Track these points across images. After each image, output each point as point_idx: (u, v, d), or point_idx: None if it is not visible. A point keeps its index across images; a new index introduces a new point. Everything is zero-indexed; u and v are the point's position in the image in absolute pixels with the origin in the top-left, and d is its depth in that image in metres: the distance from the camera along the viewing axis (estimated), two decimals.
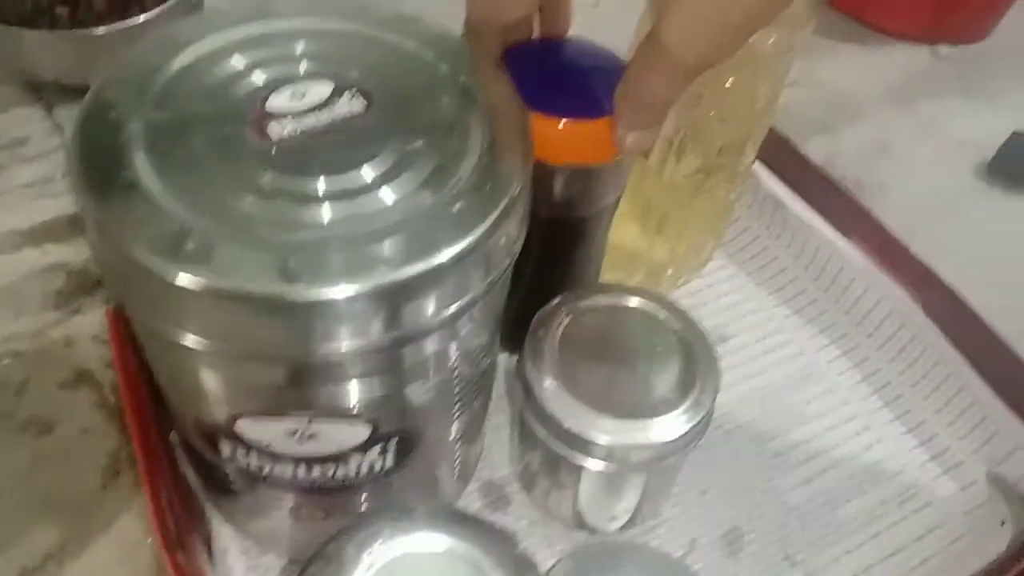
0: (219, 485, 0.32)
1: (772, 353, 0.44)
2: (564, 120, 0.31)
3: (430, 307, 0.24)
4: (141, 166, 0.23)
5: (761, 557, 0.37)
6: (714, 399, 0.32)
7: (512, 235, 0.26)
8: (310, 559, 0.26)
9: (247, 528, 0.34)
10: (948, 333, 0.40)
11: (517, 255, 0.27)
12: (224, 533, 0.35)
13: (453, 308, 0.24)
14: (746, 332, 0.44)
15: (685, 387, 0.32)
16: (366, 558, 0.25)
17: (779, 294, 0.46)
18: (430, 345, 0.26)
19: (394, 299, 0.23)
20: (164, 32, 0.27)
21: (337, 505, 0.31)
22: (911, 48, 0.64)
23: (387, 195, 0.24)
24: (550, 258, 0.37)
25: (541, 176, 0.32)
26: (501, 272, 0.26)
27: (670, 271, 0.44)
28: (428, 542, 0.26)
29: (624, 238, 0.42)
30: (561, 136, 0.31)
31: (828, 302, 0.45)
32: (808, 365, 0.43)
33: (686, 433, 0.32)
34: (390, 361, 0.25)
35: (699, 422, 0.32)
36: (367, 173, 0.24)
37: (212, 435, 0.27)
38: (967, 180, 0.55)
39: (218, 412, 0.26)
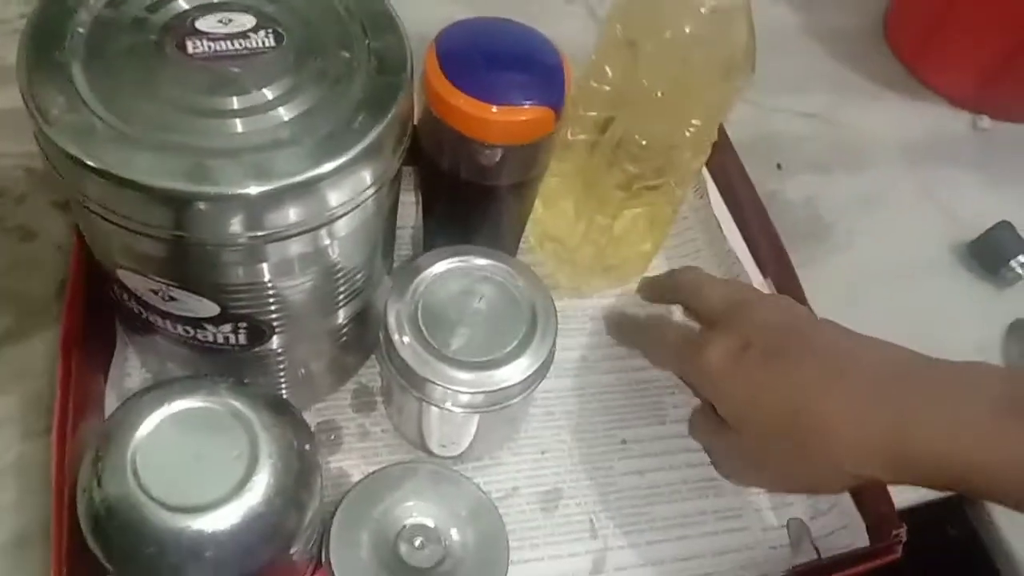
0: (125, 322, 0.38)
1: None
2: (495, 107, 0.35)
3: (298, 213, 0.29)
4: (74, 51, 0.28)
5: (570, 521, 0.41)
6: (547, 357, 0.36)
7: (380, 163, 0.30)
8: (112, 414, 0.31)
9: (146, 363, 0.41)
10: None
11: (389, 180, 0.32)
12: (132, 362, 0.41)
13: (321, 216, 0.29)
14: None
15: (523, 342, 0.36)
16: (157, 412, 0.30)
17: None
18: (285, 249, 0.31)
19: (266, 204, 0.28)
20: None
21: (210, 364, 0.37)
22: (952, 111, 0.63)
23: (282, 114, 0.29)
24: (470, 218, 0.41)
25: (470, 149, 0.37)
26: (375, 189, 0.31)
27: (598, 278, 0.47)
28: (207, 402, 0.31)
29: (558, 230, 0.46)
30: (493, 120, 0.35)
31: None
32: None
33: (517, 383, 0.36)
34: (246, 256, 0.31)
35: (529, 376, 0.36)
36: (267, 93, 0.29)
37: (108, 278, 0.34)
38: (942, 253, 0.55)
39: (107, 261, 0.32)
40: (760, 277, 0.46)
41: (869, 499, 0.39)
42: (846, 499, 0.40)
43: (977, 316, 0.52)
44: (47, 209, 0.46)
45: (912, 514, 0.39)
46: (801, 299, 0.44)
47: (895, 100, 0.63)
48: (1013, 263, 0.52)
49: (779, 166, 0.57)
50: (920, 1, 0.64)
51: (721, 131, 0.49)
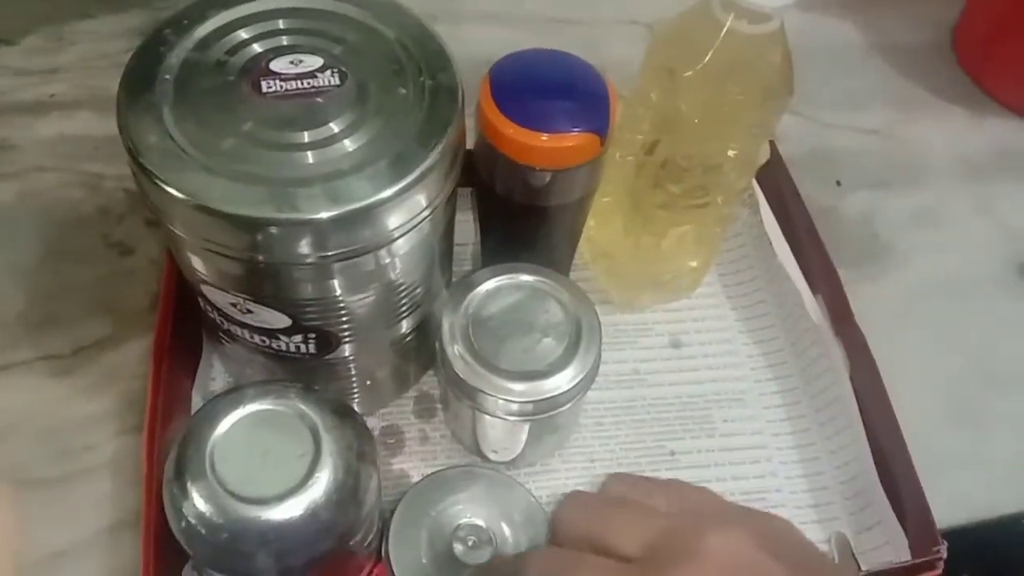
0: (210, 331, 0.42)
1: (714, 370, 0.48)
2: (544, 135, 0.37)
3: (361, 236, 0.32)
4: (164, 92, 0.32)
5: None
6: (592, 367, 0.38)
7: (433, 188, 0.33)
8: (194, 415, 0.35)
9: (229, 369, 0.45)
10: (861, 403, 0.43)
11: (443, 203, 0.35)
12: (216, 368, 0.45)
13: (383, 236, 0.32)
14: (700, 345, 0.49)
15: (568, 352, 0.38)
16: (233, 413, 0.34)
17: (748, 323, 0.50)
18: (350, 267, 0.34)
19: (333, 227, 0.31)
20: None
21: (284, 370, 0.40)
22: (1019, 125, 0.62)
23: (347, 145, 0.32)
24: (524, 237, 0.44)
25: (521, 173, 0.39)
26: (430, 211, 0.34)
27: (649, 293, 0.49)
28: (277, 405, 0.34)
29: (609, 247, 0.48)
30: (543, 147, 0.38)
31: (785, 343, 0.48)
32: (743, 391, 0.47)
33: (564, 392, 0.38)
34: (315, 274, 0.34)
35: (575, 386, 0.38)
36: (332, 127, 0.32)
37: (194, 291, 0.37)
38: (998, 271, 0.54)
39: (192, 277, 0.36)
40: (810, 295, 0.47)
41: (912, 516, 0.39)
42: (890, 516, 0.40)
43: None
44: (143, 228, 0.51)
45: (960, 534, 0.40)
46: (849, 319, 0.45)
47: (960, 114, 0.62)
48: None
49: (838, 183, 0.57)
50: (988, 12, 0.63)
51: (774, 148, 0.50)
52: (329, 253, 0.32)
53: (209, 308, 0.37)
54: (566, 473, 0.44)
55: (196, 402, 0.43)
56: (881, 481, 0.41)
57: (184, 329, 0.43)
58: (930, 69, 0.65)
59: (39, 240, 0.50)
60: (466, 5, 0.64)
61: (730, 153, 0.40)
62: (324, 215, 0.31)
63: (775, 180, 0.49)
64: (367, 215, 0.31)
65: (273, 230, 0.31)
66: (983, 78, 0.63)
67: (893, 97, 0.63)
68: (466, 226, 0.46)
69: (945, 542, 0.38)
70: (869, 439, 0.42)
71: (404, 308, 0.39)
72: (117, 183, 0.53)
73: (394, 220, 0.33)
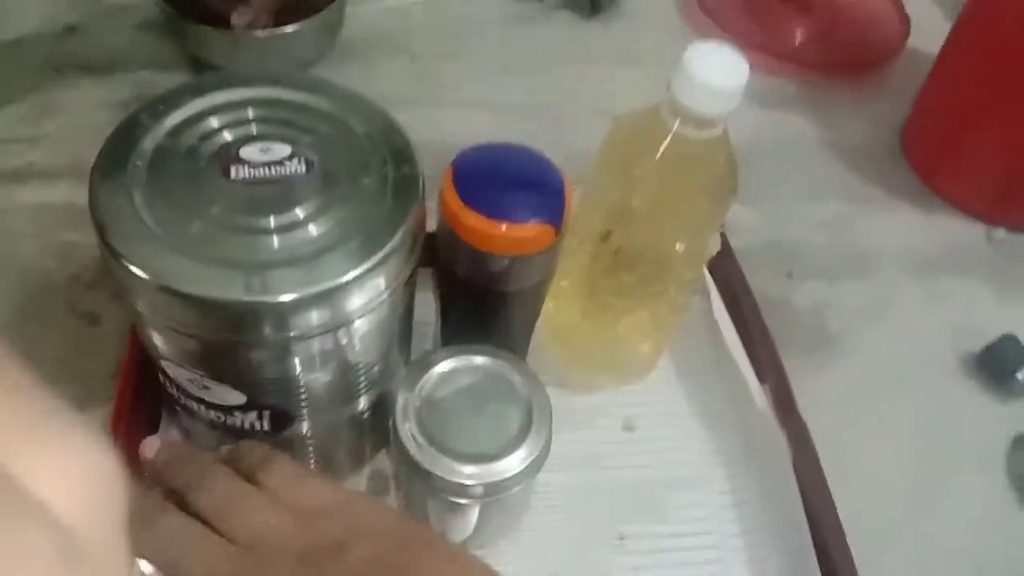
0: (168, 404, 0.43)
1: (666, 454, 0.49)
2: (504, 224, 0.39)
3: (321, 316, 0.33)
4: (135, 176, 0.34)
5: None
6: (543, 450, 0.39)
7: (393, 271, 0.35)
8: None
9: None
10: (803, 492, 0.44)
11: (402, 284, 0.36)
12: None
13: (344, 317, 0.34)
14: (653, 428, 0.50)
15: (519, 435, 0.39)
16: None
17: (700, 407, 0.51)
18: (309, 346, 0.35)
19: (294, 310, 0.32)
20: (202, 79, 0.37)
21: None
22: (967, 222, 0.65)
23: (311, 230, 0.33)
24: (483, 318, 0.45)
25: (481, 259, 0.41)
26: (388, 293, 0.35)
27: (605, 375, 0.50)
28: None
29: (566, 330, 0.49)
30: (501, 236, 0.39)
31: (736, 428, 0.50)
32: (694, 476, 0.48)
33: (514, 474, 0.38)
34: (274, 353, 0.35)
35: (526, 467, 0.39)
36: (298, 213, 0.34)
37: (155, 365, 0.38)
38: (950, 364, 0.56)
39: (153, 352, 0.37)
40: (756, 383, 0.48)
41: None
42: None
43: (982, 428, 0.53)
44: (111, 298, 0.51)
45: None
46: (793, 408, 0.46)
47: (909, 210, 0.65)
48: (1019, 375, 0.53)
49: (790, 274, 0.60)
50: (936, 114, 0.67)
51: (724, 239, 0.53)
52: (291, 333, 0.33)
53: (168, 382, 0.38)
54: (515, 554, 0.44)
55: None
56: (821, 570, 0.42)
57: (143, 401, 0.43)
58: (879, 166, 0.68)
59: (7, 304, 0.50)
60: (447, 93, 0.67)
61: (678, 247, 0.42)
62: (287, 297, 0.32)
63: (725, 270, 0.52)
64: (327, 298, 0.33)
65: (237, 311, 0.32)
66: (931, 178, 0.66)
67: (845, 192, 0.66)
68: (427, 305, 0.47)
69: None
70: (811, 528, 0.43)
71: (361, 386, 0.40)
72: (90, 252, 0.53)
73: (354, 302, 0.34)
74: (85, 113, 0.62)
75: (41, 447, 0.16)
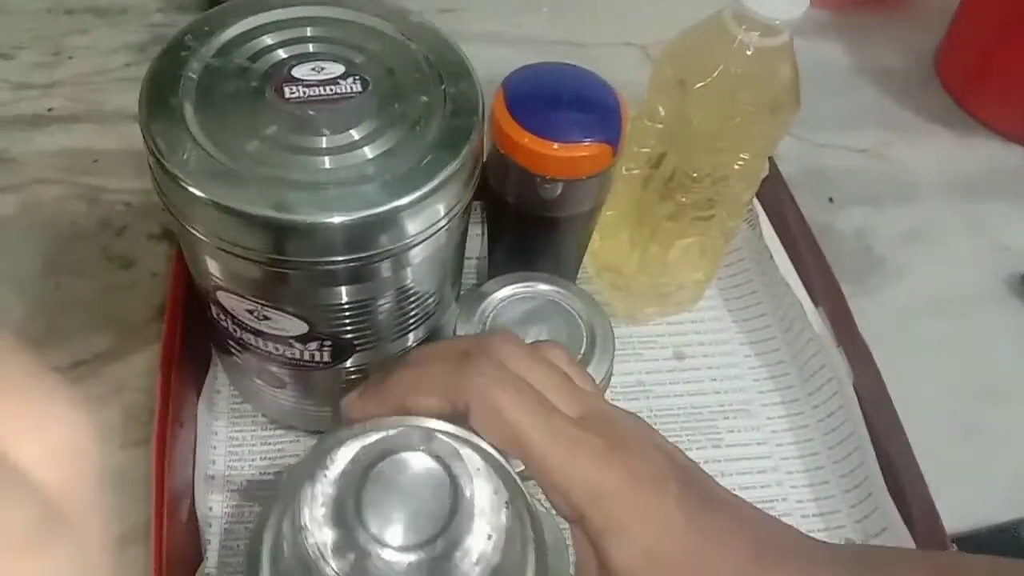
0: (218, 342, 0.42)
1: (717, 382, 0.48)
2: (556, 144, 0.38)
3: (378, 242, 0.32)
4: (187, 95, 0.32)
5: None
6: (605, 377, 0.39)
7: (452, 197, 0.33)
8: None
9: (235, 381, 0.44)
10: (865, 411, 0.44)
11: (461, 212, 0.35)
12: (221, 379, 0.45)
13: (399, 245, 0.32)
14: (703, 357, 0.49)
15: (583, 361, 0.38)
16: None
17: (749, 335, 0.50)
18: (366, 273, 0.34)
19: (349, 232, 0.31)
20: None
21: (295, 378, 0.40)
22: (1004, 146, 0.64)
23: (366, 152, 0.32)
24: (533, 248, 0.44)
25: (534, 183, 0.40)
26: (447, 220, 0.34)
27: (653, 307, 0.49)
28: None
29: (614, 260, 0.48)
30: (557, 156, 0.38)
31: (787, 354, 0.49)
32: (746, 401, 0.48)
33: None
34: (332, 279, 0.34)
35: None
36: (354, 134, 0.32)
37: (206, 299, 0.37)
38: (994, 285, 0.56)
39: (207, 283, 0.36)
40: (812, 306, 0.47)
41: (920, 521, 0.40)
42: (897, 521, 0.40)
43: None
44: (144, 240, 0.50)
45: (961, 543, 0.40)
46: (852, 327, 0.45)
47: (946, 135, 0.64)
48: None
49: (831, 199, 0.59)
50: (971, 37, 0.65)
51: (772, 164, 0.51)
52: (343, 258, 0.32)
53: (222, 316, 0.37)
54: None
55: (202, 412, 0.43)
56: (888, 488, 0.41)
57: (190, 340, 0.42)
58: (915, 92, 0.67)
59: (39, 253, 0.49)
60: (470, 26, 0.65)
61: (738, 165, 0.41)
62: (337, 220, 0.31)
63: (775, 194, 0.50)
64: (383, 222, 0.32)
65: (290, 233, 0.31)
66: (967, 102, 0.65)
67: (881, 118, 0.65)
68: (473, 240, 0.46)
69: (955, 545, 0.38)
70: (875, 446, 0.43)
71: (415, 318, 0.39)
72: (116, 196, 0.52)
73: (411, 228, 0.33)
74: (100, 57, 0.60)
75: (21, 410, 0.15)
